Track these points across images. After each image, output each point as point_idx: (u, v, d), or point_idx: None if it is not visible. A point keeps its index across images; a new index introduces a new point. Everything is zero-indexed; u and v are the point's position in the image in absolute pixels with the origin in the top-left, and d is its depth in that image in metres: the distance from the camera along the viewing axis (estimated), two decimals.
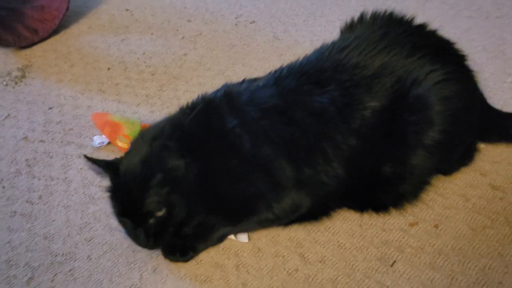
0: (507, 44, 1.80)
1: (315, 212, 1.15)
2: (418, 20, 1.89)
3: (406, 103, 1.10)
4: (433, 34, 1.24)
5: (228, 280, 1.06)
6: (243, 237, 1.14)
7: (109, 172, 1.06)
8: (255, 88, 1.15)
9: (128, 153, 1.08)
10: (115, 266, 1.10)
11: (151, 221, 1.02)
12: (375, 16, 1.24)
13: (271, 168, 1.07)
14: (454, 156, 1.23)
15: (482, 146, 1.34)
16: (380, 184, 1.15)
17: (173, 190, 1.02)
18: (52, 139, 1.50)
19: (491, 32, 1.89)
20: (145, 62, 1.89)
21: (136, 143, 1.10)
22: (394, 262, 1.07)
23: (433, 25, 1.95)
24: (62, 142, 1.49)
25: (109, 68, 1.86)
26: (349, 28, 1.27)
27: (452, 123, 1.11)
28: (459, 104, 1.12)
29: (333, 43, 1.20)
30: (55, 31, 2.09)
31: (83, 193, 1.30)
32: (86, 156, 1.09)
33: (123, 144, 1.37)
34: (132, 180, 1.02)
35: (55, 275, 1.09)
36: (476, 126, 1.25)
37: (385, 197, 1.17)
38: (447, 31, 1.91)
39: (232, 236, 1.13)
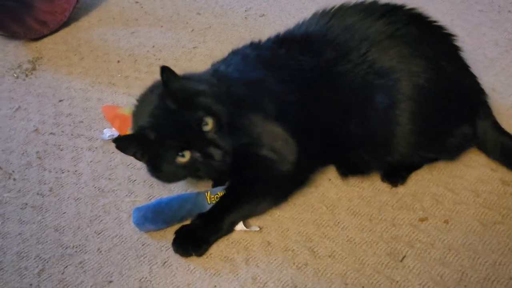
0: None
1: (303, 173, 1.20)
2: (429, 13, 1.87)
3: (375, 70, 1.13)
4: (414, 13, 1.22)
5: (237, 274, 1.06)
6: (253, 226, 1.14)
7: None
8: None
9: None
10: (125, 259, 1.11)
11: (209, 135, 1.03)
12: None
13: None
14: (432, 143, 1.19)
15: None
16: (350, 144, 1.18)
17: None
18: (62, 131, 1.51)
19: (503, 27, 1.87)
20: (154, 55, 1.89)
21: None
22: (404, 257, 1.07)
23: (444, 19, 1.94)
24: (72, 134, 1.49)
25: (119, 61, 1.86)
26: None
27: (421, 96, 1.12)
28: (427, 77, 1.12)
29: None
30: (65, 24, 2.09)
31: (93, 186, 1.31)
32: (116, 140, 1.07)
33: None
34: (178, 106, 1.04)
35: (66, 267, 1.10)
36: (460, 111, 1.20)
37: (355, 159, 1.20)
38: (458, 25, 1.90)
39: (242, 227, 1.13)
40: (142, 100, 1.15)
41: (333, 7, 1.24)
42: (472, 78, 1.25)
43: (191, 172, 1.07)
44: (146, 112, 1.07)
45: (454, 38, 1.22)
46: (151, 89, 1.16)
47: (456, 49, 1.22)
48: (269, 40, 1.28)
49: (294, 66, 1.17)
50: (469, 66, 1.25)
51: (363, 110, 1.15)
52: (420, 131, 1.15)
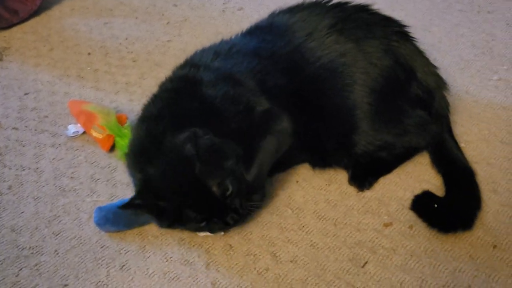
0: (496, 41, 1.78)
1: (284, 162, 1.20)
2: (409, 12, 1.85)
3: (334, 51, 1.18)
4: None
5: (197, 278, 1.04)
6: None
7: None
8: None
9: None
10: (82, 262, 1.08)
11: (229, 200, 1.00)
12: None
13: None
14: (392, 122, 1.20)
15: (462, 146, 1.33)
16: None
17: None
18: (26, 126, 1.47)
19: (481, 28, 1.86)
20: (127, 48, 1.85)
21: None
22: (366, 263, 1.06)
23: (423, 18, 1.94)
24: (36, 130, 1.45)
25: (89, 53, 1.82)
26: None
27: (376, 73, 1.17)
28: (380, 55, 1.18)
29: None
30: (36, 13, 2.03)
31: (54, 184, 1.27)
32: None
33: (98, 134, 1.34)
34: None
35: (21, 269, 1.07)
36: (416, 94, 1.22)
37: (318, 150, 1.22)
38: (436, 25, 1.89)
39: (206, 232, 1.11)
40: (149, 137, 1.05)
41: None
42: (428, 67, 1.25)
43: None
44: (160, 168, 1.00)
45: (404, 25, 1.27)
46: (162, 126, 1.05)
47: (407, 34, 1.26)
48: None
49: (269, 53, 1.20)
50: (423, 52, 1.27)
51: (327, 91, 1.17)
52: (378, 107, 1.17)
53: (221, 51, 1.20)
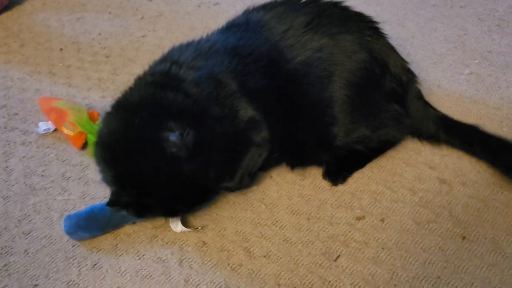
0: (468, 35, 1.80)
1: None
2: (384, 7, 1.87)
3: (311, 47, 1.19)
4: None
5: (170, 276, 1.04)
6: (194, 226, 1.12)
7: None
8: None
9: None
10: (53, 261, 1.07)
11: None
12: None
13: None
14: (369, 116, 1.22)
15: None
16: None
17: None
18: None
19: (454, 22, 1.89)
20: (100, 43, 1.82)
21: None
22: (338, 256, 1.07)
23: (397, 13, 1.96)
24: (5, 127, 1.42)
25: (61, 49, 1.78)
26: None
27: (352, 66, 1.18)
28: (357, 49, 1.19)
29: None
30: (6, 8, 1.98)
31: (24, 183, 1.25)
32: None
33: (69, 132, 1.32)
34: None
35: None
36: (390, 88, 1.24)
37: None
38: (411, 19, 1.91)
39: (182, 228, 1.11)
40: (125, 129, 1.04)
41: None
42: (400, 61, 1.28)
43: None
44: (142, 163, 1.00)
45: (375, 21, 1.28)
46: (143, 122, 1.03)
47: (378, 29, 1.28)
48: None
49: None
50: (394, 48, 1.29)
51: (305, 86, 1.18)
52: (355, 100, 1.18)
53: (201, 49, 1.18)
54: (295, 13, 1.22)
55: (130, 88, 1.13)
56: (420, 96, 1.32)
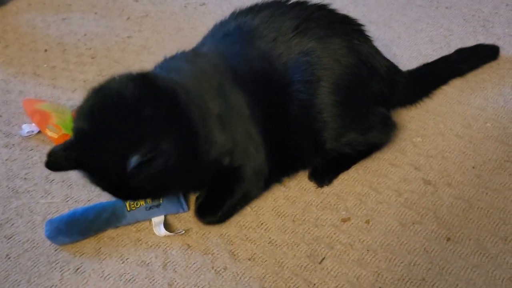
0: (453, 36, 1.81)
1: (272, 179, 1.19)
2: (371, 8, 1.88)
3: (299, 51, 1.18)
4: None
5: (153, 280, 1.03)
6: (178, 230, 1.12)
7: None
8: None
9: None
10: (35, 266, 1.05)
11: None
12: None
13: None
14: (357, 119, 1.22)
15: (418, 140, 1.35)
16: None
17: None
18: None
19: (440, 23, 1.90)
20: (85, 44, 1.80)
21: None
22: (323, 259, 1.07)
23: (384, 13, 1.96)
24: None
25: (46, 50, 1.76)
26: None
27: (340, 69, 1.17)
28: (344, 53, 1.19)
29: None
30: None
31: (7, 186, 1.23)
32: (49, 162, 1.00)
33: (53, 134, 1.30)
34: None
35: None
36: (377, 92, 1.26)
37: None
38: (397, 20, 1.92)
39: (166, 232, 1.10)
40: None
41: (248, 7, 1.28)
42: (385, 62, 1.29)
43: None
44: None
45: (361, 24, 1.29)
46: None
47: (364, 32, 1.28)
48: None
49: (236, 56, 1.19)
50: (379, 51, 1.31)
51: (296, 93, 1.17)
52: (344, 104, 1.18)
53: (202, 68, 1.15)
54: (282, 17, 1.21)
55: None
56: (406, 76, 1.38)
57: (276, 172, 1.20)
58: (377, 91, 1.25)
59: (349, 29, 1.25)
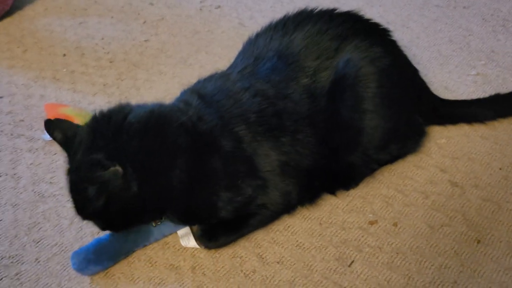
0: (473, 36, 1.80)
1: (305, 198, 1.16)
2: (387, 8, 1.87)
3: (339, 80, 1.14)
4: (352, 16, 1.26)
5: (183, 283, 1.03)
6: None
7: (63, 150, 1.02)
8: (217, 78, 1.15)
9: (81, 130, 1.00)
10: (64, 270, 1.05)
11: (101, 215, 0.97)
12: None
13: (257, 162, 1.05)
14: (398, 131, 1.21)
15: (443, 141, 1.34)
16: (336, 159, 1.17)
17: (110, 202, 0.95)
18: (1, 131, 1.42)
19: (458, 23, 1.89)
20: (103, 48, 1.81)
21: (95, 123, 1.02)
22: (352, 262, 1.06)
23: (401, 13, 1.95)
24: (11, 134, 1.41)
25: (64, 54, 1.77)
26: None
27: (385, 84, 1.15)
28: (387, 62, 1.16)
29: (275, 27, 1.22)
30: (8, 13, 1.97)
31: (33, 190, 1.24)
32: (47, 121, 1.01)
33: None
34: (74, 177, 0.97)
35: (1, 279, 1.04)
36: (414, 98, 1.26)
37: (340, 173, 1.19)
38: (414, 20, 1.91)
39: (195, 244, 1.09)
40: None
41: (280, 22, 1.22)
42: (414, 70, 1.31)
43: None
44: None
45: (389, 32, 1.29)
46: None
47: (395, 42, 1.28)
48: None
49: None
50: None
51: (337, 108, 1.15)
52: (387, 115, 1.17)
53: (242, 106, 1.08)
54: (321, 36, 1.15)
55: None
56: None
57: (309, 196, 1.17)
58: (415, 100, 1.26)
59: (387, 41, 1.24)
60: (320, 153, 1.12)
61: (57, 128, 1.01)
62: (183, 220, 1.07)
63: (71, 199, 0.99)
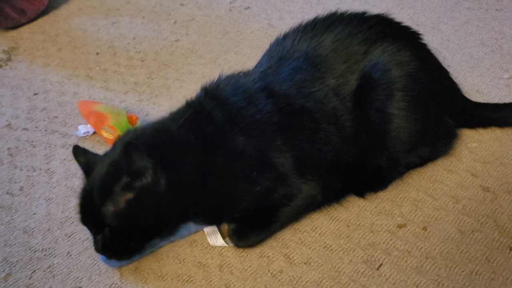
0: (505, 39, 1.76)
1: (329, 198, 1.16)
2: (417, 10, 1.85)
3: (368, 82, 1.14)
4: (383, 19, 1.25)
5: (210, 281, 1.04)
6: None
7: (83, 173, 1.04)
8: (238, 78, 1.15)
9: (103, 155, 1.05)
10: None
11: (107, 230, 0.98)
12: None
13: (270, 156, 1.06)
14: (427, 134, 1.20)
15: (474, 145, 1.32)
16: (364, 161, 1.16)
17: (137, 199, 0.97)
18: (36, 127, 1.47)
19: (490, 26, 1.85)
20: (135, 48, 1.84)
21: (114, 143, 1.06)
22: (381, 265, 1.05)
23: (431, 16, 1.93)
24: (46, 130, 1.45)
25: (97, 53, 1.81)
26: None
27: (412, 87, 1.14)
28: (416, 66, 1.15)
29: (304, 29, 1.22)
30: (44, 12, 2.03)
31: (65, 185, 1.27)
32: (76, 147, 1.06)
33: (108, 135, 1.34)
34: (95, 184, 0.99)
35: (34, 271, 1.07)
36: (444, 101, 1.25)
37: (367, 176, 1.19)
38: (445, 23, 1.88)
39: (223, 242, 1.10)
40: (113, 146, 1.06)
41: (310, 24, 1.22)
42: (446, 72, 1.30)
43: None
44: None
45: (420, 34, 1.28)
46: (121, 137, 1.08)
47: (425, 45, 1.27)
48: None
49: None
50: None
51: (363, 111, 1.14)
52: (417, 118, 1.16)
53: (267, 110, 1.10)
54: (350, 40, 1.16)
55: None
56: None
57: (334, 194, 1.17)
58: (446, 102, 1.24)
59: (416, 44, 1.23)
60: (344, 153, 1.13)
61: (82, 154, 1.06)
62: (207, 219, 1.09)
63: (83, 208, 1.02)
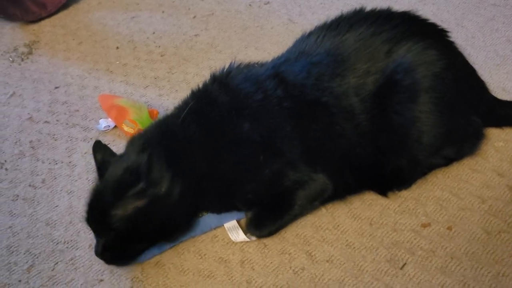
0: None
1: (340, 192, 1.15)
2: (441, 6, 1.81)
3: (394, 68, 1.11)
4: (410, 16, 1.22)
5: (232, 277, 1.03)
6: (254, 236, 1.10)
7: (97, 171, 1.05)
8: (252, 67, 1.16)
9: (118, 157, 1.06)
10: None
11: (111, 234, 0.98)
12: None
13: (277, 142, 1.06)
14: (453, 135, 1.17)
15: (500, 144, 1.29)
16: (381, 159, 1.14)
17: (147, 207, 0.97)
18: (57, 120, 1.47)
19: None
20: (154, 42, 1.84)
21: (128, 146, 1.06)
22: (404, 264, 1.03)
23: (455, 12, 1.89)
24: (67, 124, 1.46)
25: (117, 47, 1.81)
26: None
27: (438, 86, 1.11)
28: (442, 65, 1.12)
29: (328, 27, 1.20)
30: (64, 6, 2.03)
31: (87, 178, 1.27)
32: (97, 142, 1.07)
33: (129, 129, 1.33)
34: (108, 186, 0.99)
35: (56, 263, 1.08)
36: (471, 100, 1.22)
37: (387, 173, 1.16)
38: (469, 19, 1.84)
39: (244, 237, 1.09)
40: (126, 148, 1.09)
41: (335, 22, 1.20)
42: (472, 71, 1.27)
43: None
44: None
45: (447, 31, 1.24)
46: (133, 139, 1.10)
47: (452, 43, 1.24)
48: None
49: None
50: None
51: (385, 112, 1.12)
52: (442, 119, 1.13)
53: (282, 104, 1.10)
54: (374, 38, 1.13)
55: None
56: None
57: (345, 186, 1.16)
58: (474, 101, 1.21)
59: (443, 42, 1.20)
60: (359, 150, 1.12)
61: (100, 150, 1.08)
62: (220, 206, 1.09)
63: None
